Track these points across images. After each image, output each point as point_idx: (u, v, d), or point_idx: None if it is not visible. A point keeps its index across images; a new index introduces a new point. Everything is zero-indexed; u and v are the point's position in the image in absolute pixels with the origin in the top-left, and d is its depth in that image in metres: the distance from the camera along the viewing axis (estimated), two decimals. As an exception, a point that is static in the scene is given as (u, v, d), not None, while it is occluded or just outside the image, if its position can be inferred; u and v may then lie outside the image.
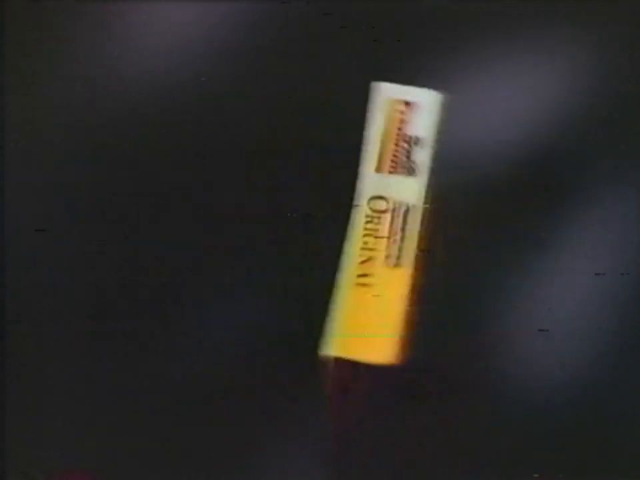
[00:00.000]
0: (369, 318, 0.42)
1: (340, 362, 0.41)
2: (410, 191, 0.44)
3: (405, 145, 0.44)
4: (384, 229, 0.44)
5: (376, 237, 0.44)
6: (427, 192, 0.44)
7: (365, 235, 0.44)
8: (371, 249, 0.43)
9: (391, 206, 0.44)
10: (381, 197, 0.44)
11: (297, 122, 0.57)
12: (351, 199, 0.49)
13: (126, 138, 0.57)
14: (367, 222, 0.44)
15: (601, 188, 0.56)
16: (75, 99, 0.57)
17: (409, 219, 0.44)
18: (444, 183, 0.56)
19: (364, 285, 0.43)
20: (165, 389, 0.54)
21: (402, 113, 0.45)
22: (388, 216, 0.44)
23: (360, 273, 0.43)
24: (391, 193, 0.44)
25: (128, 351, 0.55)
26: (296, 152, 0.56)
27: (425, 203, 0.44)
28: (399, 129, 0.44)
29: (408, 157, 0.44)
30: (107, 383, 0.55)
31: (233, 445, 0.54)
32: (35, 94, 0.58)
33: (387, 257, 0.43)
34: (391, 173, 0.44)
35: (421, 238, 0.43)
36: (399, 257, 0.43)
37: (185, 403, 0.54)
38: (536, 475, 0.53)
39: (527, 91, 0.56)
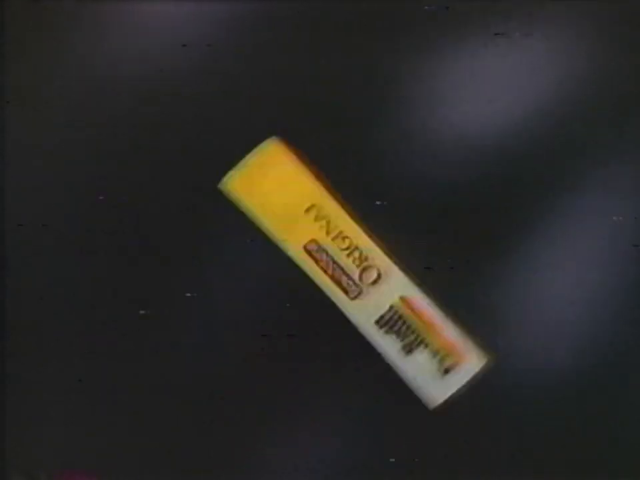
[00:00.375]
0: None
1: None
2: (387, 298, 0.45)
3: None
4: (341, 264, 0.45)
5: (340, 247, 0.45)
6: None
7: (339, 236, 0.45)
8: (326, 227, 0.45)
9: (367, 280, 0.45)
10: (379, 275, 0.45)
11: (300, 120, 0.57)
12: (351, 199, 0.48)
13: (126, 137, 0.57)
14: (351, 244, 0.45)
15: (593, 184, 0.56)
16: (74, 99, 0.57)
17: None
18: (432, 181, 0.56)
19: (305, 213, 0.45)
20: (166, 389, 0.55)
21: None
22: (356, 271, 0.45)
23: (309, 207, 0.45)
24: (385, 288, 0.45)
25: (129, 350, 0.55)
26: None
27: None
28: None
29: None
30: (107, 383, 0.55)
31: (234, 445, 0.54)
32: (35, 94, 0.58)
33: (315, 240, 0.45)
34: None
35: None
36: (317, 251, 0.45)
37: (186, 403, 0.54)
38: None
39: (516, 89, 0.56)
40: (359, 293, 0.44)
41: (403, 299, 0.45)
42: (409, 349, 0.44)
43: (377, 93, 0.56)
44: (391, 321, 0.44)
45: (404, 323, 0.45)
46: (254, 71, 0.57)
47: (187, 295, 0.55)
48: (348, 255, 0.44)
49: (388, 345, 0.44)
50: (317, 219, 0.45)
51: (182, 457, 0.54)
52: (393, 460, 0.54)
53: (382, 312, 0.44)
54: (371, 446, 0.54)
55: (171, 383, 0.55)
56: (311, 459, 0.54)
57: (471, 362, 0.45)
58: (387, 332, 0.44)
